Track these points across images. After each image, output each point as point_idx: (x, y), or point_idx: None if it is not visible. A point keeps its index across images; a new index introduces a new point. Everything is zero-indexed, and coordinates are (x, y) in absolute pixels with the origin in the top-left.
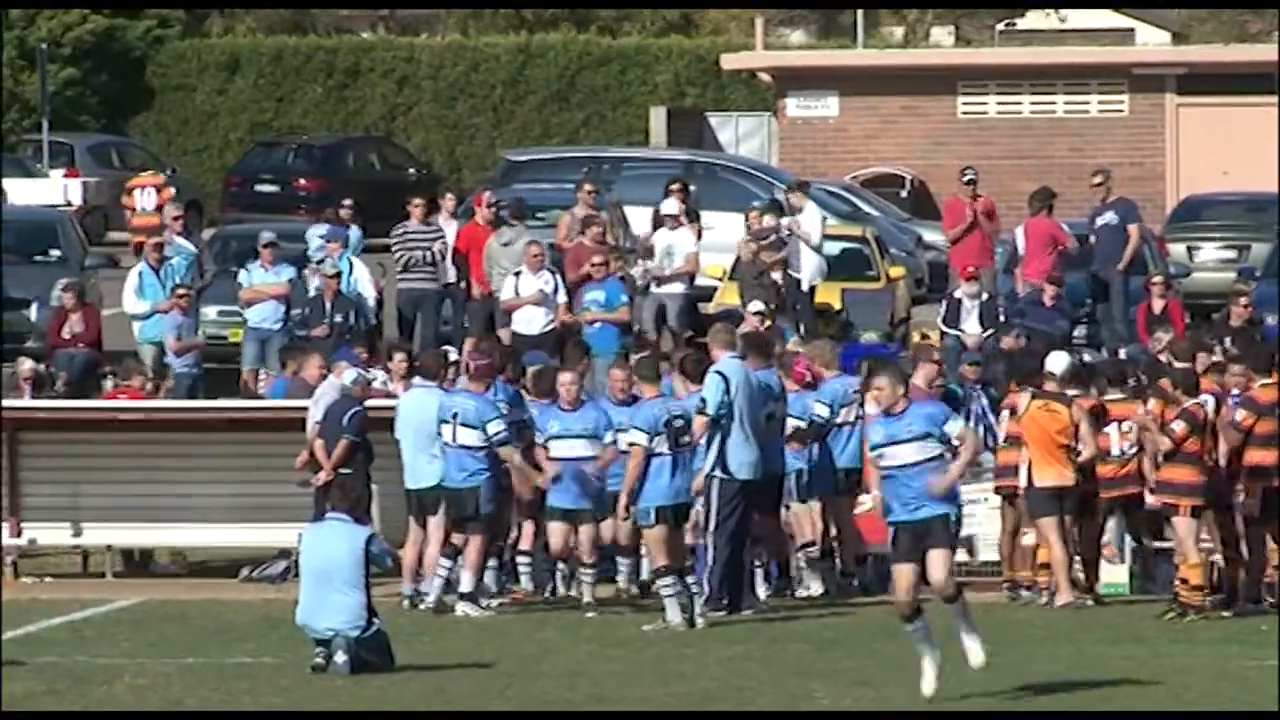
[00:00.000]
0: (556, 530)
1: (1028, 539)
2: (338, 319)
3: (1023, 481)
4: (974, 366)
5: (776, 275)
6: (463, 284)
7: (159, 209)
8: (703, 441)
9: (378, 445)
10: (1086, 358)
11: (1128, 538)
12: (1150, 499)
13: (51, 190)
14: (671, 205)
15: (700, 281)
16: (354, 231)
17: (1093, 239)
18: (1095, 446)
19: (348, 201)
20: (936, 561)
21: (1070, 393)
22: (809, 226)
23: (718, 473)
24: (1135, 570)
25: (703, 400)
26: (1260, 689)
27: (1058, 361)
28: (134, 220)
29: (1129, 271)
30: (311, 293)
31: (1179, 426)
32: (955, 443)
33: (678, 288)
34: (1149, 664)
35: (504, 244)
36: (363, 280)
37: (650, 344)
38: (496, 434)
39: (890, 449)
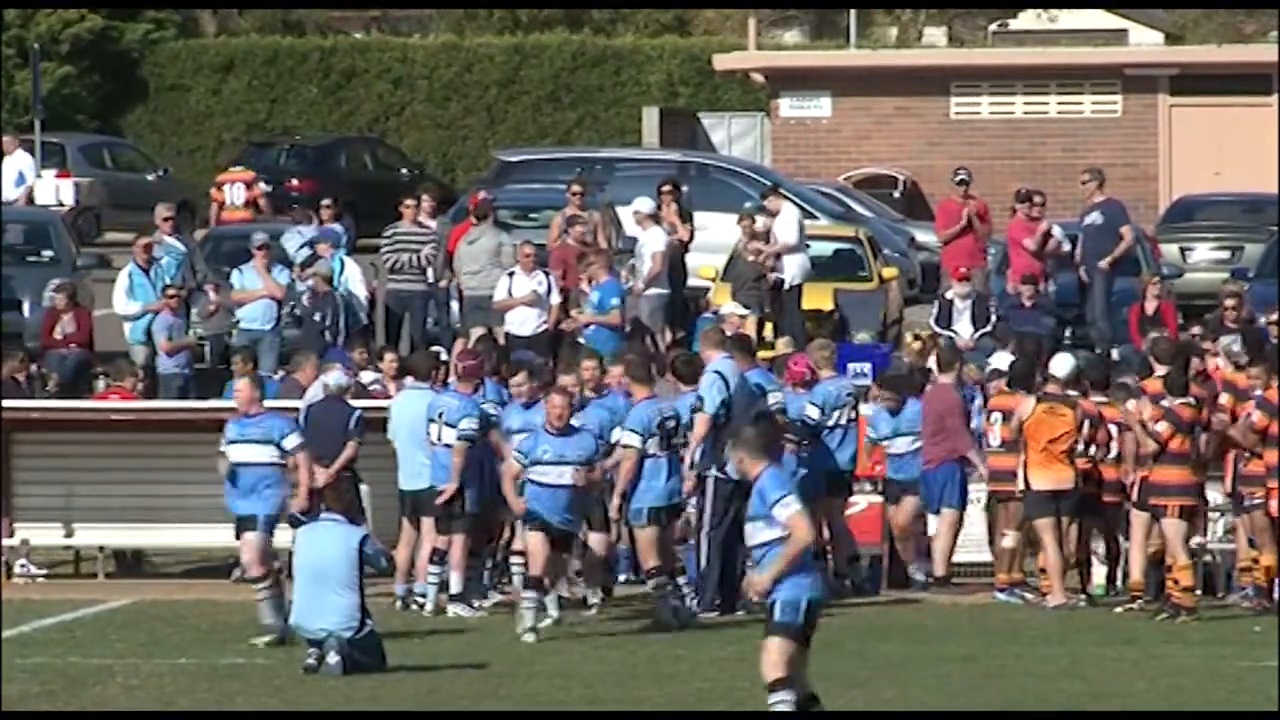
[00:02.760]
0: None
1: (1006, 541)
2: (328, 319)
3: (1020, 484)
4: (977, 368)
5: (773, 277)
6: (443, 284)
7: (248, 204)
8: (697, 441)
9: (370, 445)
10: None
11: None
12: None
13: (44, 191)
14: (643, 204)
15: (693, 282)
16: (340, 229)
17: (1080, 238)
18: (1120, 444)
19: (327, 200)
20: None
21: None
22: (781, 229)
23: (714, 471)
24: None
25: (699, 399)
26: (1256, 689)
27: (1062, 364)
28: (223, 215)
29: (1117, 272)
30: (302, 292)
31: (1163, 428)
32: (781, 530)
33: (648, 289)
34: (1142, 665)
35: (470, 243)
36: (354, 279)
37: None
38: (463, 431)
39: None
